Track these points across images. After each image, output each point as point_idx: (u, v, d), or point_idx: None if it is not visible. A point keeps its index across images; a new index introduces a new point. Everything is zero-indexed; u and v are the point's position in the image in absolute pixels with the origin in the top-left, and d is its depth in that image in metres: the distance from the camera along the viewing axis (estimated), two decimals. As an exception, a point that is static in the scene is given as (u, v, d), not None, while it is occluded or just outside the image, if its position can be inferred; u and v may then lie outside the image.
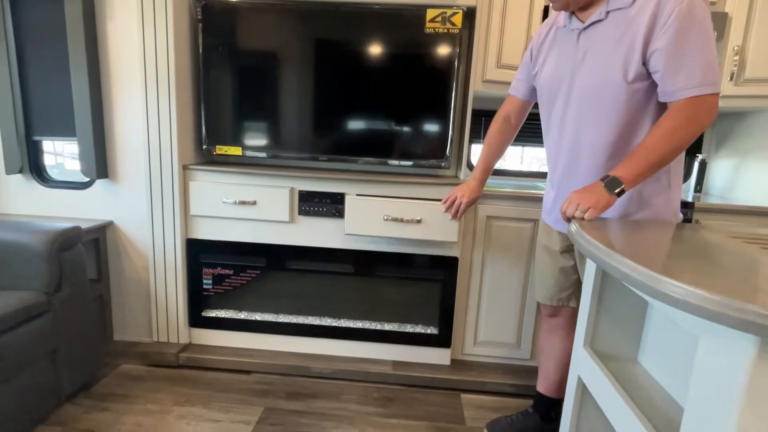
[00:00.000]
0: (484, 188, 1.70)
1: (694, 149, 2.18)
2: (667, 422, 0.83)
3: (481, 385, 1.76)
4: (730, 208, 1.70)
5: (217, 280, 1.87)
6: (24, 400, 1.35)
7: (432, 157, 1.83)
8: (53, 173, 2.04)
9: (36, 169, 1.97)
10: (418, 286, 1.83)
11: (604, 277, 1.03)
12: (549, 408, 1.50)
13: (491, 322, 1.85)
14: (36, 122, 1.90)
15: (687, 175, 2.21)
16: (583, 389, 1.08)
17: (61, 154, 2.28)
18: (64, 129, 1.87)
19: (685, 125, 1.01)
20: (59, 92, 1.85)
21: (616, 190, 1.04)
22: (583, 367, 1.05)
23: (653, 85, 1.07)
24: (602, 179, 1.05)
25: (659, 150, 1.03)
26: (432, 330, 1.85)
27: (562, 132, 1.23)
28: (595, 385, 0.98)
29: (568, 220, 1.10)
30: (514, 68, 1.80)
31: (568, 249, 1.33)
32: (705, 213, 1.69)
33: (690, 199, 1.80)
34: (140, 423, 1.48)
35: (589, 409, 1.10)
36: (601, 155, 1.15)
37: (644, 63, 1.05)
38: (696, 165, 2.12)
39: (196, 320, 1.91)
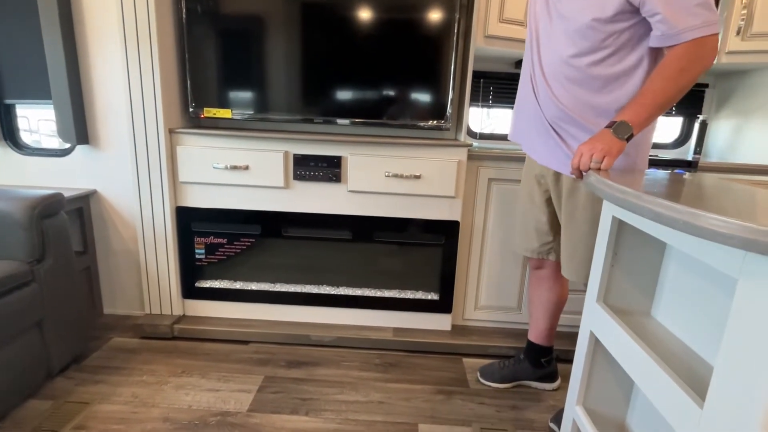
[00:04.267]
0: (486, 150, 1.68)
1: (694, 110, 2.15)
2: (689, 371, 0.81)
3: (482, 349, 1.75)
4: (732, 166, 1.68)
5: (210, 249, 1.81)
6: (12, 373, 1.29)
7: (432, 118, 1.76)
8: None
9: (10, 135, 1.85)
10: (418, 252, 1.79)
11: (619, 230, 0.99)
12: (539, 355, 1.53)
13: (492, 286, 1.82)
14: (7, 84, 1.77)
15: (687, 137, 2.18)
16: (595, 344, 1.06)
17: (37, 132, 2.15)
18: (39, 91, 1.74)
19: (692, 67, 1.00)
20: (31, 52, 1.71)
21: (626, 135, 1.02)
22: (597, 322, 1.02)
23: (637, 27, 1.05)
24: (608, 126, 1.04)
25: (667, 92, 1.01)
26: (432, 296, 1.82)
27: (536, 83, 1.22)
28: (610, 340, 0.96)
29: (581, 174, 1.06)
30: (518, 23, 1.72)
31: (549, 201, 1.33)
32: (707, 172, 1.67)
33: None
34: (136, 394, 1.43)
35: (601, 363, 1.08)
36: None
37: (630, 2, 1.02)
38: (696, 126, 2.09)
39: (190, 291, 1.85)
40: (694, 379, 0.78)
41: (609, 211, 0.98)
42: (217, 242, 1.80)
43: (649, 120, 1.05)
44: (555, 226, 1.35)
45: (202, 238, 1.79)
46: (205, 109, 1.76)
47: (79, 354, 1.62)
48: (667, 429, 0.98)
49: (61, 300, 1.47)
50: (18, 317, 1.30)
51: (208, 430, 1.29)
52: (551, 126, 1.20)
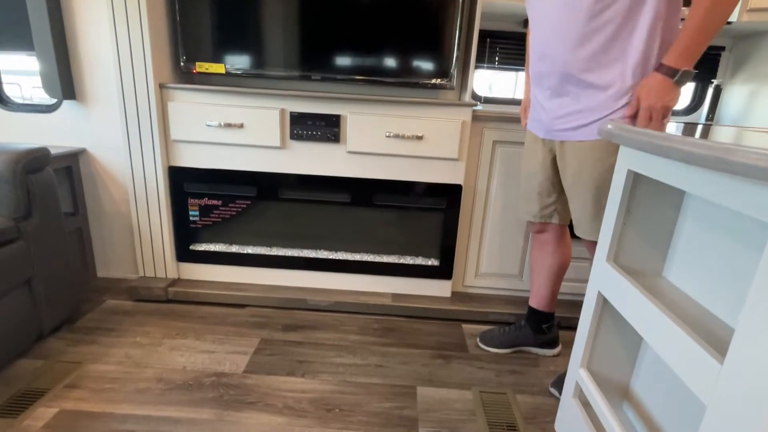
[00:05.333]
0: (491, 111, 1.61)
1: (708, 75, 2.06)
2: (703, 329, 0.77)
3: (483, 315, 1.72)
4: (747, 130, 1.61)
5: (205, 211, 1.75)
6: (2, 331, 1.25)
7: (435, 76, 1.68)
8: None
9: (-7, 89, 1.76)
10: (418, 216, 1.74)
11: (633, 186, 0.94)
12: (540, 321, 1.51)
13: (494, 252, 1.78)
14: (-13, 34, 1.67)
15: (699, 103, 2.10)
16: (603, 305, 1.02)
17: (30, 100, 2.05)
18: (21, 42, 1.65)
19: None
20: (11, -1, 1.61)
21: (686, 84, 1.04)
22: (606, 282, 0.98)
23: None
24: (667, 74, 1.00)
25: (709, 24, 0.96)
26: (433, 262, 1.78)
27: (545, 18, 1.13)
28: (620, 299, 0.92)
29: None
30: (528, -27, 1.61)
31: (553, 161, 1.27)
32: (723, 136, 1.61)
33: (700, 130, 1.71)
34: (130, 355, 1.41)
35: (607, 325, 1.05)
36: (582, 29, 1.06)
37: None
38: (710, 91, 2.01)
39: (184, 254, 1.80)
40: (710, 337, 0.74)
41: (624, 165, 0.92)
42: (212, 204, 1.74)
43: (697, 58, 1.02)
44: (558, 187, 1.30)
45: (196, 200, 1.74)
46: (197, 63, 1.67)
47: (72, 315, 1.59)
48: (673, 392, 0.95)
49: (51, 259, 1.42)
50: (5, 274, 1.25)
51: (203, 390, 1.26)
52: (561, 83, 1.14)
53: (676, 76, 1.00)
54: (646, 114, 1.04)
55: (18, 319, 1.32)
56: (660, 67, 1.01)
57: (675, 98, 1.03)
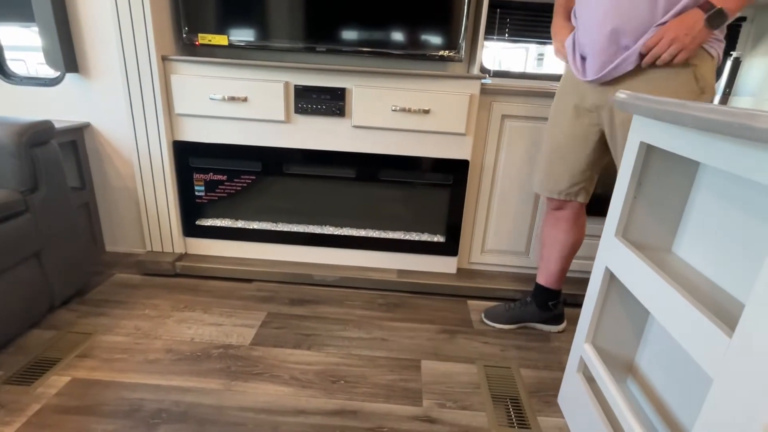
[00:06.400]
0: (500, 85, 1.56)
1: (727, 47, 1.98)
2: (713, 303, 0.76)
3: (489, 291, 1.72)
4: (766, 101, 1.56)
5: (210, 186, 1.75)
6: (14, 301, 1.28)
7: (443, 48, 1.63)
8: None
9: (-4, 62, 1.75)
10: (424, 192, 1.72)
11: (645, 158, 0.91)
12: (547, 298, 1.50)
13: (500, 229, 1.77)
14: (-13, 5, 1.65)
15: (718, 74, 2.03)
16: (610, 281, 1.01)
17: (36, 76, 2.03)
18: (21, 12, 1.62)
19: None
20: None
21: (719, 27, 0.96)
22: (614, 257, 0.96)
23: None
24: (704, 9, 0.95)
25: None
26: (438, 238, 1.78)
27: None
28: (628, 274, 0.90)
29: (653, 59, 1.00)
30: (542, -63, 1.54)
31: (601, 137, 1.21)
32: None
33: (718, 100, 1.66)
34: (139, 327, 1.43)
35: (613, 301, 1.04)
36: None
37: None
38: (729, 63, 1.94)
39: (191, 229, 1.81)
40: (719, 310, 0.73)
41: (637, 137, 0.90)
42: (217, 179, 1.73)
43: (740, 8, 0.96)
44: (595, 164, 1.27)
45: (201, 175, 1.73)
46: (199, 35, 1.64)
47: (82, 288, 1.61)
48: (678, 367, 0.95)
49: (59, 232, 1.44)
50: (13, 246, 1.26)
51: (211, 361, 1.29)
52: None
53: (709, 12, 0.95)
54: (665, 42, 0.99)
55: (29, 290, 1.34)
56: (702, 4, 0.97)
57: (699, 37, 0.97)
